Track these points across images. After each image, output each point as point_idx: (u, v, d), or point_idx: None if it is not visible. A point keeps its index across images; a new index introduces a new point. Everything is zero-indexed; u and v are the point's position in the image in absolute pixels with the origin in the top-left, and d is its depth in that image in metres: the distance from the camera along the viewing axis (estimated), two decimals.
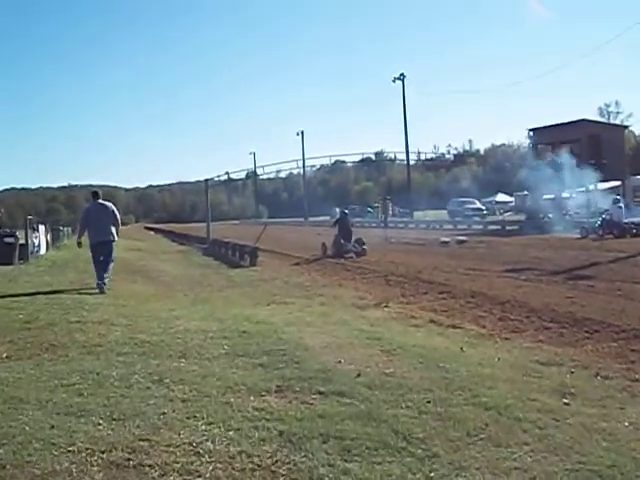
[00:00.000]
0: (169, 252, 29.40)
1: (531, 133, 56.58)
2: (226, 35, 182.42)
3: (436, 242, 27.15)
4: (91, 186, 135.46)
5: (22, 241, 19.36)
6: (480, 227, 39.75)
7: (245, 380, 5.50)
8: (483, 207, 61.69)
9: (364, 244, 22.86)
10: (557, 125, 42.91)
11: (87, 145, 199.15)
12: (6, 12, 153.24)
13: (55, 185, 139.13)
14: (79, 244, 13.75)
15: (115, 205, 13.71)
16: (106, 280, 12.64)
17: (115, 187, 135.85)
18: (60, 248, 27.44)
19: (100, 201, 13.39)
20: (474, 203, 62.71)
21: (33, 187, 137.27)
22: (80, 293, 11.83)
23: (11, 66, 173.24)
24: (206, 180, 32.66)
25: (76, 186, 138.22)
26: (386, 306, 10.93)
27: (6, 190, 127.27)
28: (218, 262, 22.49)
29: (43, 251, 22.34)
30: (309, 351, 6.51)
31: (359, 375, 5.63)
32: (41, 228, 22.26)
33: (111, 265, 13.02)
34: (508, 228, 37.17)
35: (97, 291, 12.21)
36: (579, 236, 27.44)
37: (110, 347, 6.93)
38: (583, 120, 44.27)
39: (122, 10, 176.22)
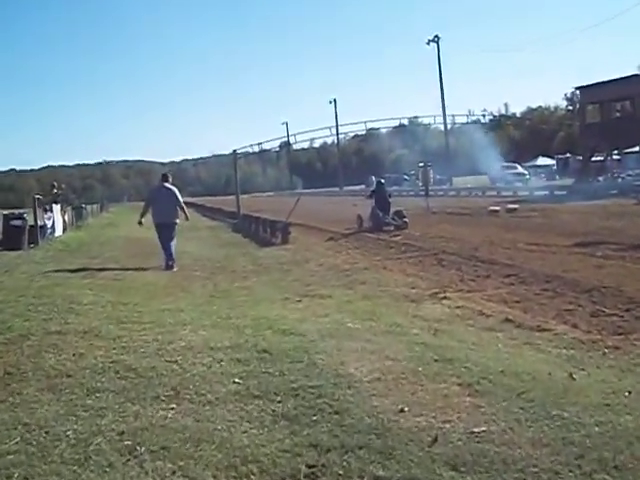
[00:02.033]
0: (197, 228, 27.50)
1: (577, 92, 53.22)
2: (260, 10, 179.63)
3: (484, 211, 24.85)
4: (126, 161, 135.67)
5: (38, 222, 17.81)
6: (526, 193, 37.22)
7: (259, 451, 3.56)
8: (525, 172, 58.97)
9: (404, 217, 20.69)
10: (606, 82, 39.37)
11: (122, 121, 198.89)
12: None
13: (91, 162, 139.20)
14: (140, 223, 14.29)
15: (178, 188, 14.26)
16: (172, 263, 13.27)
17: (151, 162, 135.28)
18: (81, 228, 25.86)
19: (166, 184, 13.89)
20: (516, 168, 59.95)
21: (70, 164, 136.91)
22: (79, 287, 10.01)
23: (47, 45, 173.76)
24: (235, 151, 30.60)
25: (111, 162, 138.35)
26: (445, 297, 8.87)
27: (43, 168, 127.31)
28: (247, 240, 20.55)
29: (59, 232, 20.69)
30: (355, 389, 4.49)
31: (436, 440, 3.62)
32: (55, 208, 20.56)
33: (173, 247, 13.51)
34: (557, 193, 34.75)
35: (162, 268, 13.11)
36: (635, 201, 25.05)
37: (82, 378, 5.05)
38: (636, 75, 40.85)
39: None
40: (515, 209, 24.54)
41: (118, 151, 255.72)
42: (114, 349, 5.93)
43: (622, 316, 7.58)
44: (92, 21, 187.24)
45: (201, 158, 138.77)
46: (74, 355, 5.76)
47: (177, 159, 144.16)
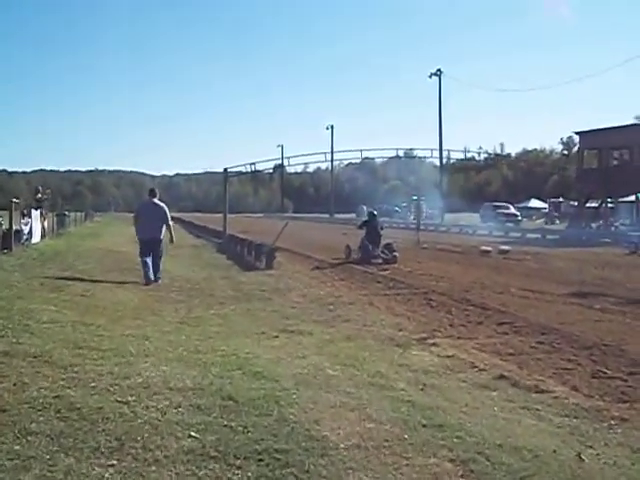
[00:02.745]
0: (181, 246, 26.53)
1: (574, 136, 53.22)
2: (266, 33, 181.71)
3: (475, 250, 24.29)
4: (118, 172, 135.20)
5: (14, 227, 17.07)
6: (518, 235, 36.88)
7: None
8: (517, 213, 58.72)
9: (394, 251, 20.07)
10: (606, 129, 39.39)
11: (117, 131, 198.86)
12: None
13: (83, 169, 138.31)
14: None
15: (167, 204, 14.11)
16: (159, 275, 13.35)
17: (143, 174, 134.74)
18: (60, 236, 25.08)
19: (154, 200, 13.81)
20: (508, 208, 59.65)
21: (62, 170, 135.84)
22: (42, 301, 9.30)
23: (43, 48, 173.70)
24: (225, 170, 29.85)
25: (103, 171, 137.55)
26: (434, 344, 8.22)
27: (34, 172, 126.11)
28: (230, 262, 19.81)
29: (37, 239, 19.92)
30: (329, 458, 3.81)
31: None
32: (34, 213, 19.81)
33: (160, 262, 13.58)
34: (549, 237, 34.37)
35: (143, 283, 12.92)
36: (627, 251, 24.72)
37: (16, 415, 4.36)
38: (635, 125, 40.94)
39: None
40: (507, 251, 24.02)
41: (111, 160, 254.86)
42: (62, 380, 5.25)
43: (626, 380, 6.96)
44: (101, 32, 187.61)
45: (194, 174, 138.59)
46: (15, 385, 5.07)
47: (170, 173, 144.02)
